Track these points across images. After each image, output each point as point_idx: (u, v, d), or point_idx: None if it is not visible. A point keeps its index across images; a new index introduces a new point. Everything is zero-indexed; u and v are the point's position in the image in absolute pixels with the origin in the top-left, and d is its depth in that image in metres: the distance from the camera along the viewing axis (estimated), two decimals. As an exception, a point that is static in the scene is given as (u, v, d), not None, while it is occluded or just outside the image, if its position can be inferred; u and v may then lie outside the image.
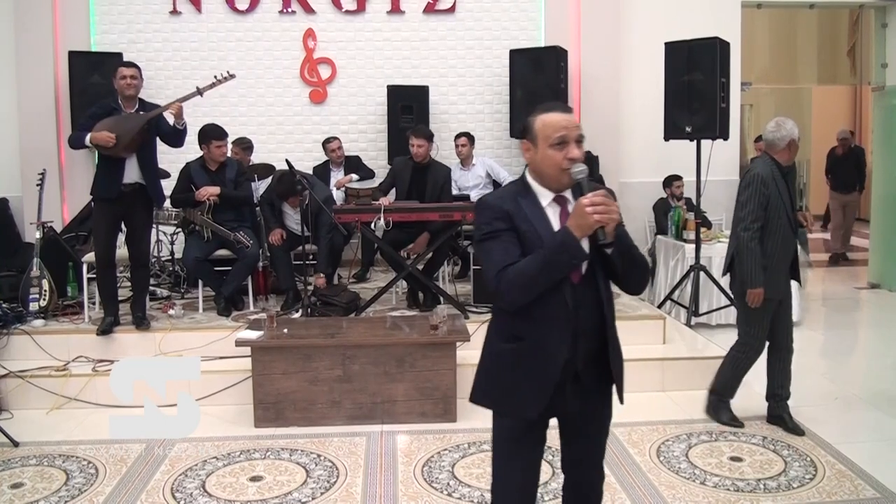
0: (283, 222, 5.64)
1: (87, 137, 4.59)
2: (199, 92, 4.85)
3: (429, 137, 5.72)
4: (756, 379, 4.83)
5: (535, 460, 2.21)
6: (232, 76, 4.96)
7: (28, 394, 4.46)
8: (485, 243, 2.07)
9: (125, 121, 4.67)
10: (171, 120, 4.79)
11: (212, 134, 5.43)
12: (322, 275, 5.39)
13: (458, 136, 6.73)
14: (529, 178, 2.12)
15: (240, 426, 4.19)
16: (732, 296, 4.20)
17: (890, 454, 3.71)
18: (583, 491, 2.32)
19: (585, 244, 2.00)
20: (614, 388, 2.20)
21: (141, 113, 4.74)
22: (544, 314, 2.04)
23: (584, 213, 1.93)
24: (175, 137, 4.87)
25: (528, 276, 1.98)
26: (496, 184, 6.74)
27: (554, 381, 2.06)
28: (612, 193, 2.03)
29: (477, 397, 2.20)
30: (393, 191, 5.77)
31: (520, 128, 2.13)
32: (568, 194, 2.09)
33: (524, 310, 2.04)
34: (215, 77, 4.90)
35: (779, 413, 4.06)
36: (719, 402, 4.11)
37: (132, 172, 4.75)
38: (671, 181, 6.95)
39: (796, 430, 3.97)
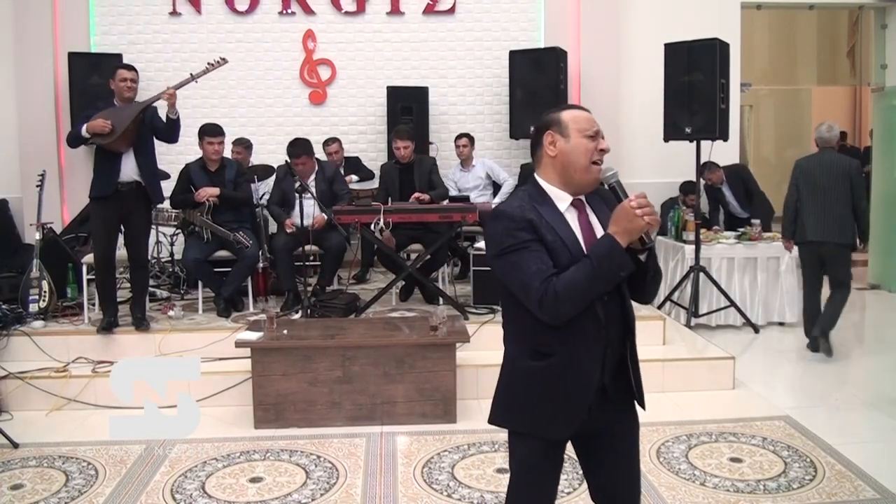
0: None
1: (84, 128, 4.59)
2: (193, 78, 4.81)
3: (412, 137, 5.86)
4: (755, 380, 4.85)
5: (556, 481, 2.12)
6: (225, 61, 4.92)
7: (28, 395, 4.45)
8: (509, 256, 1.91)
9: (120, 112, 4.67)
10: (163, 114, 4.78)
11: (206, 130, 5.44)
12: (323, 216, 5.34)
13: (459, 137, 6.74)
14: (543, 182, 2.00)
15: (239, 427, 4.19)
16: (845, 251, 5.34)
17: (890, 455, 3.71)
18: None
19: None
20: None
21: (134, 103, 4.75)
22: (575, 328, 1.92)
23: (632, 216, 1.83)
24: (169, 130, 4.84)
25: (579, 288, 1.85)
26: (496, 185, 6.74)
27: (589, 399, 1.96)
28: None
29: (499, 418, 2.07)
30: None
31: (541, 123, 2.02)
32: (583, 199, 2.02)
33: (550, 324, 1.92)
34: (208, 63, 4.87)
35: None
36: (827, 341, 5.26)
37: (129, 170, 4.74)
38: (687, 191, 6.87)
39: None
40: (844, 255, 5.29)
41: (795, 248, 5.57)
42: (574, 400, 1.96)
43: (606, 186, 1.98)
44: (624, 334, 2.02)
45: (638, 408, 2.14)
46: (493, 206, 6.03)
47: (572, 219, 1.99)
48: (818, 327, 5.30)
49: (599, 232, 1.98)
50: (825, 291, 5.41)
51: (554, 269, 1.89)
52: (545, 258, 1.90)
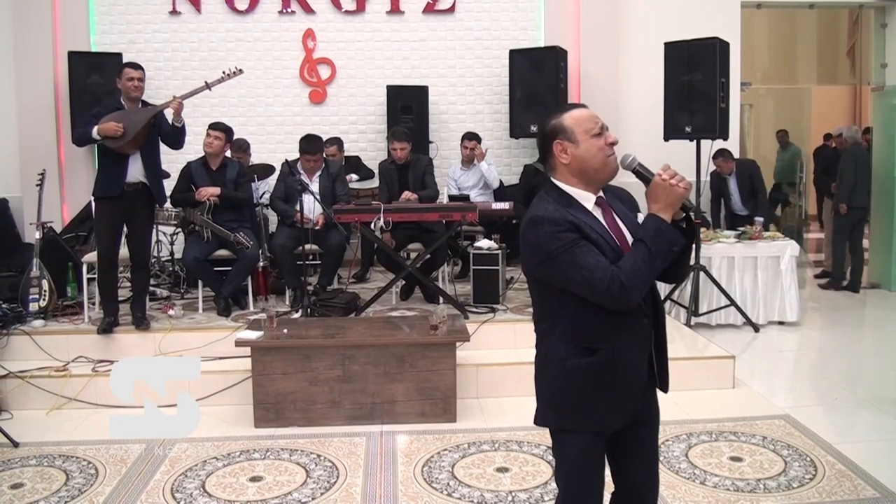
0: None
1: (94, 130, 4.59)
2: (208, 86, 4.86)
3: (409, 139, 5.89)
4: (755, 380, 4.85)
5: (604, 471, 2.14)
6: (240, 71, 4.98)
7: (28, 394, 4.45)
8: (561, 257, 1.91)
9: (131, 115, 4.68)
10: (169, 118, 4.79)
11: (210, 124, 5.50)
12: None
13: (469, 139, 6.63)
14: (564, 186, 2.02)
15: (239, 426, 4.19)
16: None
17: (890, 454, 3.71)
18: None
19: None
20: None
21: (147, 107, 4.75)
22: (620, 320, 1.95)
23: (670, 189, 1.89)
24: (174, 137, 4.85)
25: (642, 271, 1.87)
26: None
27: (640, 386, 2.01)
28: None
29: (553, 419, 2.08)
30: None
31: (546, 132, 2.03)
32: (601, 195, 2.04)
33: (594, 318, 1.94)
34: (223, 72, 4.93)
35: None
36: None
37: (135, 171, 4.75)
38: None
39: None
40: (866, 216, 7.59)
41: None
42: (626, 389, 2.01)
43: (631, 172, 2.01)
44: (654, 320, 2.06)
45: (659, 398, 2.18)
46: (491, 203, 6.08)
47: (600, 217, 2.02)
48: (857, 275, 7.40)
49: (623, 227, 2.02)
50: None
51: (607, 262, 1.92)
52: (596, 251, 1.92)
